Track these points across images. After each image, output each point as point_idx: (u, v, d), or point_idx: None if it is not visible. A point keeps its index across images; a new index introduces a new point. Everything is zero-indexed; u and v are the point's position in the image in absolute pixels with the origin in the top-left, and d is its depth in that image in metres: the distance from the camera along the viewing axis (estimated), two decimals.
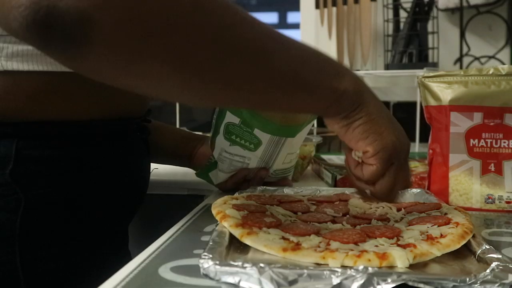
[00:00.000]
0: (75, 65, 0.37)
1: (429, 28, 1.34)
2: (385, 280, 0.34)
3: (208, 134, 0.74)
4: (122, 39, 0.33)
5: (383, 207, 0.55)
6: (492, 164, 0.62)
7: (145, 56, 0.35)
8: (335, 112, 0.47)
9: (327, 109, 0.46)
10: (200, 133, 1.12)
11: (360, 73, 1.40)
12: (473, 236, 0.45)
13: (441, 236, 0.44)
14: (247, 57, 0.39)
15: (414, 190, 0.64)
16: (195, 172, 0.76)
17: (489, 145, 0.63)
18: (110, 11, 0.32)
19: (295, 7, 1.69)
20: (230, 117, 0.67)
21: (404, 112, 1.52)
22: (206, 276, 0.37)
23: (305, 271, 0.35)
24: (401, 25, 1.37)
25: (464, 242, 0.43)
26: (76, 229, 0.55)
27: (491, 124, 0.62)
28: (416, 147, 1.23)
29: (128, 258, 0.43)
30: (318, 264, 0.38)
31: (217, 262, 0.37)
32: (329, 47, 1.57)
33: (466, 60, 1.43)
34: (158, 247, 0.45)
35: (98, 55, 0.34)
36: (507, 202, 0.62)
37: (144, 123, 0.70)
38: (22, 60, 0.50)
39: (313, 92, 0.45)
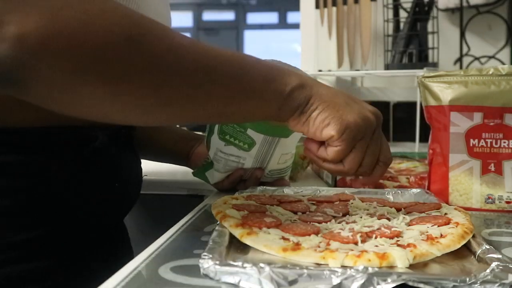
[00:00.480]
0: (18, 97, 0.40)
1: (429, 28, 1.34)
2: (385, 280, 0.34)
3: None
4: (57, 78, 0.37)
5: (383, 207, 0.55)
6: (492, 164, 0.62)
7: (82, 89, 0.38)
8: (289, 111, 0.49)
9: (280, 110, 0.48)
10: (200, 133, 1.12)
11: (360, 73, 1.40)
12: (473, 236, 0.45)
13: (441, 236, 0.44)
14: (187, 78, 0.42)
15: (414, 190, 0.64)
16: (193, 172, 0.76)
17: (489, 145, 0.63)
18: (44, 55, 0.35)
19: (295, 7, 1.70)
20: None
21: (404, 112, 1.52)
22: (206, 276, 0.37)
23: (305, 271, 0.35)
24: (401, 25, 1.37)
25: (464, 242, 0.43)
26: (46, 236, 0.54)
27: (491, 124, 0.62)
28: (416, 147, 1.23)
29: (130, 257, 0.43)
30: (318, 264, 0.38)
31: (217, 262, 0.37)
32: (329, 47, 1.57)
33: (466, 60, 1.43)
34: (158, 247, 0.45)
35: (35, 92, 0.38)
36: (507, 202, 0.62)
37: (124, 130, 0.68)
38: None
39: (261, 98, 0.47)
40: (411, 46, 1.32)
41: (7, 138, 0.51)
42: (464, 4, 1.38)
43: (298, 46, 1.71)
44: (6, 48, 0.35)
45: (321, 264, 0.38)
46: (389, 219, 0.51)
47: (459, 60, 1.41)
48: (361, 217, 0.50)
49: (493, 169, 0.62)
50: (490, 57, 1.43)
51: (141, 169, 0.74)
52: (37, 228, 0.52)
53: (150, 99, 0.41)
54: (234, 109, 0.47)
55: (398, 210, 0.54)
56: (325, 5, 1.51)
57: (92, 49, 0.37)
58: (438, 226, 0.46)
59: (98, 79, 0.38)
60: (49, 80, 0.37)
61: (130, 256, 0.43)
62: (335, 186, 0.77)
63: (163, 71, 0.41)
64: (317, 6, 1.53)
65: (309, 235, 0.44)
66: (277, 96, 0.47)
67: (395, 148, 1.39)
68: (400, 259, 0.38)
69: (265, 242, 0.42)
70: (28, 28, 0.35)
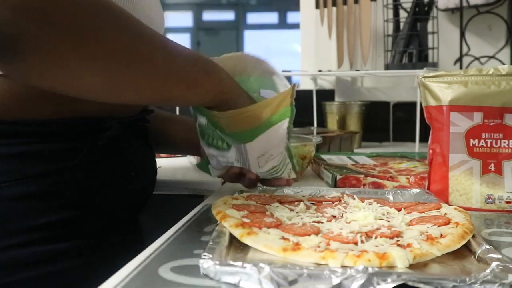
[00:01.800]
0: (15, 73, 0.44)
1: (429, 28, 1.34)
2: (385, 280, 0.34)
3: None
4: (53, 48, 0.39)
5: (383, 207, 0.55)
6: (492, 164, 0.62)
7: (75, 62, 0.41)
8: (220, 100, 0.58)
9: (214, 98, 0.57)
10: None
11: (360, 73, 1.40)
12: (473, 236, 0.45)
13: (441, 236, 0.44)
14: (156, 67, 0.49)
15: (414, 190, 0.64)
16: (196, 164, 0.76)
17: (489, 145, 0.63)
18: (42, 25, 0.37)
19: (295, 7, 1.69)
20: (200, 118, 0.66)
21: (404, 112, 1.52)
22: (206, 276, 0.37)
23: (305, 271, 0.35)
24: (401, 25, 1.37)
25: (464, 242, 0.43)
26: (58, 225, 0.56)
27: (491, 124, 0.62)
28: (416, 147, 1.23)
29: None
30: (318, 264, 0.38)
31: (217, 262, 0.37)
32: (329, 47, 1.57)
33: (466, 60, 1.43)
34: (158, 247, 0.45)
35: (30, 63, 0.39)
36: (507, 202, 0.62)
37: (141, 123, 0.71)
38: None
39: (202, 88, 0.56)
40: (411, 46, 1.32)
41: (28, 129, 0.54)
42: (464, 4, 1.38)
43: (298, 46, 1.71)
44: (8, 14, 0.36)
45: (321, 264, 0.38)
46: (389, 219, 0.51)
47: (459, 60, 1.41)
48: (361, 217, 0.50)
49: (493, 169, 0.62)
50: (490, 57, 1.43)
51: (155, 161, 0.75)
52: (59, 212, 0.55)
53: (123, 79, 0.46)
54: (181, 95, 0.55)
55: (398, 210, 0.54)
56: (325, 5, 1.51)
57: (86, 25, 0.40)
58: (438, 226, 0.46)
59: (86, 54, 0.41)
60: (45, 49, 0.38)
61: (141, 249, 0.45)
62: (335, 186, 0.77)
63: (136, 56, 0.46)
64: (317, 6, 1.53)
65: (309, 235, 0.44)
66: (214, 87, 0.57)
67: (395, 148, 1.39)
68: (400, 259, 0.38)
69: (265, 242, 0.42)
70: None
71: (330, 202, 0.58)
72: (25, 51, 0.38)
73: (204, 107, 0.60)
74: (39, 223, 0.54)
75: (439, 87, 0.64)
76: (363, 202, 0.57)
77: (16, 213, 0.53)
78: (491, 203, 0.62)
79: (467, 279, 0.35)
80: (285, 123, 0.62)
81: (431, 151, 0.66)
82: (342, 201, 0.58)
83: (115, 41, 0.43)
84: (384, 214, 0.52)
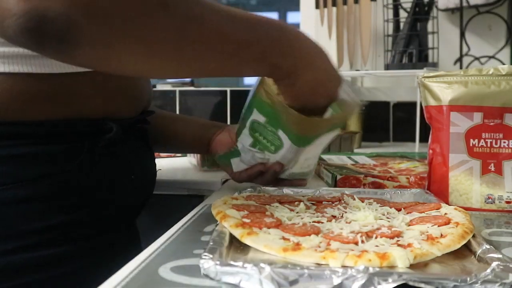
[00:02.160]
0: (68, 61, 0.45)
1: (429, 28, 1.34)
2: (386, 280, 0.34)
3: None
4: (102, 36, 0.40)
5: (383, 207, 0.55)
6: (492, 164, 0.62)
7: (122, 47, 0.42)
8: (278, 80, 0.57)
9: (271, 75, 0.56)
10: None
11: (360, 73, 1.40)
12: (473, 236, 0.45)
13: (441, 236, 0.44)
14: (208, 43, 0.48)
15: (414, 190, 0.64)
16: (218, 155, 0.77)
17: (489, 145, 0.63)
18: (93, 15, 0.39)
19: (295, 7, 1.69)
20: (257, 115, 0.66)
21: (404, 112, 1.52)
22: (207, 276, 0.37)
23: (306, 271, 0.35)
24: (401, 25, 1.37)
25: (464, 242, 0.43)
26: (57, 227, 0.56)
27: (491, 124, 0.62)
28: (416, 147, 1.23)
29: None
30: (318, 264, 0.38)
31: (218, 262, 0.37)
32: (329, 47, 1.57)
33: (466, 60, 1.43)
34: (158, 247, 0.45)
35: (85, 51, 0.41)
36: (507, 202, 0.62)
37: (140, 124, 0.71)
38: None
39: (262, 63, 0.54)
40: (411, 46, 1.32)
41: (26, 130, 0.54)
42: (464, 4, 1.38)
43: None
44: (61, 7, 0.37)
45: (321, 264, 0.38)
46: (389, 219, 0.51)
47: (459, 60, 1.41)
48: (361, 217, 0.50)
49: (493, 169, 0.62)
50: (490, 57, 1.43)
51: (155, 163, 0.75)
52: (58, 215, 0.55)
53: (176, 59, 0.47)
54: (233, 72, 0.55)
55: (398, 210, 0.54)
56: (325, 5, 1.51)
57: (134, 13, 0.41)
58: (438, 226, 0.46)
59: (136, 39, 0.42)
60: (95, 38, 0.40)
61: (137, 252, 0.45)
62: (335, 186, 0.77)
63: (188, 36, 0.46)
64: (317, 6, 1.53)
65: (309, 235, 0.44)
66: (269, 68, 0.54)
67: (395, 148, 1.39)
68: (401, 259, 0.38)
69: (265, 242, 0.42)
70: None
71: (330, 202, 0.58)
72: (77, 42, 0.40)
73: (289, 107, 0.60)
74: (38, 227, 0.54)
75: (439, 87, 0.64)
76: (363, 202, 0.57)
77: (14, 217, 0.53)
78: (491, 203, 0.62)
79: (468, 279, 0.35)
80: (336, 132, 0.67)
81: (431, 151, 0.66)
82: (342, 201, 0.58)
83: (163, 25, 0.43)
84: (384, 214, 0.52)
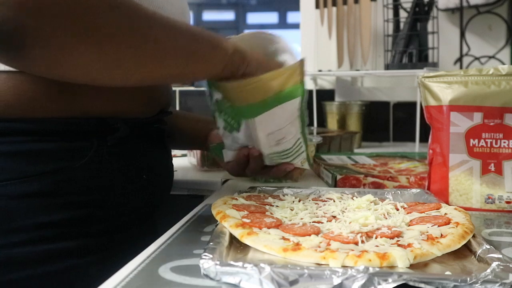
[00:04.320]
0: (18, 65, 0.46)
1: (429, 28, 1.34)
2: (386, 280, 0.34)
3: None
4: (52, 39, 0.41)
5: (383, 207, 0.55)
6: (492, 164, 0.62)
7: (73, 49, 0.43)
8: (231, 71, 0.58)
9: (223, 71, 0.58)
10: None
11: (360, 73, 1.40)
12: (473, 236, 0.45)
13: (442, 236, 0.44)
14: (156, 45, 0.50)
15: (414, 190, 0.64)
16: (211, 146, 0.77)
17: (489, 145, 0.63)
18: (40, 17, 0.39)
19: (295, 7, 1.69)
20: (216, 93, 0.65)
21: (404, 112, 1.52)
22: (206, 276, 0.37)
23: (306, 271, 0.35)
24: (401, 25, 1.37)
25: (464, 242, 0.43)
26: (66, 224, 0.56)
27: (491, 124, 0.62)
28: (416, 147, 1.23)
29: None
30: (318, 264, 0.38)
31: (218, 263, 0.37)
32: (329, 47, 1.57)
33: (466, 60, 1.43)
34: (158, 247, 0.45)
35: (35, 53, 0.41)
36: (507, 202, 0.62)
37: (157, 124, 0.71)
38: None
39: (210, 62, 0.57)
40: (411, 46, 1.32)
41: (34, 127, 0.54)
42: (464, 4, 1.38)
43: (298, 46, 1.71)
44: (8, 11, 0.38)
45: (321, 264, 0.38)
46: (389, 219, 0.51)
47: (459, 60, 1.41)
48: (361, 217, 0.50)
49: (493, 169, 0.62)
50: (490, 57, 1.43)
51: (172, 164, 0.75)
52: (62, 212, 0.55)
53: (127, 60, 0.48)
54: (189, 71, 0.56)
55: (398, 210, 0.54)
56: (325, 5, 1.51)
57: (82, 12, 0.42)
58: (438, 226, 0.46)
59: (86, 40, 0.43)
60: (45, 40, 0.41)
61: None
62: (335, 186, 0.77)
63: (136, 37, 0.47)
64: (317, 6, 1.53)
65: (309, 235, 0.44)
66: (222, 60, 0.57)
67: (395, 148, 1.39)
68: (401, 259, 0.38)
69: (265, 242, 0.42)
70: None
71: (330, 202, 0.58)
72: (27, 44, 0.40)
73: (216, 80, 0.61)
74: (42, 222, 0.54)
75: (439, 87, 0.64)
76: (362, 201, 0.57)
77: (19, 212, 0.53)
78: (491, 203, 0.62)
79: (468, 279, 0.35)
80: (295, 102, 0.63)
81: (431, 151, 0.66)
82: (342, 201, 0.58)
83: (111, 25, 0.44)
84: (384, 214, 0.52)
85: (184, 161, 1.09)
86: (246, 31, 0.70)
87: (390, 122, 1.55)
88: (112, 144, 0.60)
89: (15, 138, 0.54)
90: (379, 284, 0.34)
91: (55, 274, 0.55)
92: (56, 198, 0.55)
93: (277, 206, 0.55)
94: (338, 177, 0.78)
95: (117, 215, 0.61)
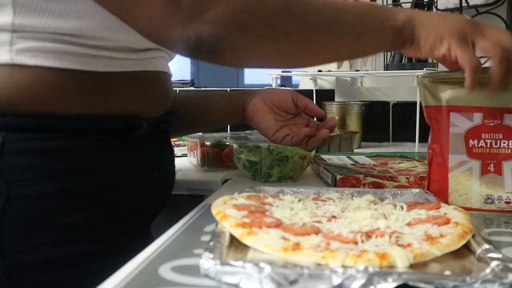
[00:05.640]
0: (215, 63, 0.55)
1: None
2: (385, 280, 0.34)
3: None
4: (241, 43, 0.53)
5: (383, 207, 0.55)
6: (492, 165, 0.62)
7: (257, 48, 0.55)
8: (401, 42, 0.60)
9: (393, 45, 0.61)
10: (199, 133, 1.12)
11: (360, 73, 1.40)
12: (473, 236, 0.45)
13: (441, 236, 0.44)
14: (328, 31, 0.57)
15: (414, 190, 0.64)
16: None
17: (488, 145, 0.63)
18: (234, 29, 0.51)
19: None
20: None
21: (404, 112, 1.52)
22: (206, 276, 0.37)
23: (306, 271, 0.35)
24: None
25: (464, 242, 0.43)
26: (74, 222, 0.56)
27: (491, 124, 0.62)
28: (416, 147, 1.23)
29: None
30: (318, 264, 0.38)
31: (218, 262, 0.37)
32: None
33: None
34: (158, 247, 0.45)
35: (229, 57, 0.54)
36: (507, 203, 0.62)
37: (162, 125, 0.71)
38: (30, 55, 0.53)
39: (380, 37, 0.60)
40: None
41: (64, 124, 0.56)
42: (464, 4, 1.38)
43: None
44: (211, 29, 0.50)
45: (321, 264, 0.38)
46: (388, 219, 0.51)
47: None
48: (361, 217, 0.50)
49: (492, 169, 0.62)
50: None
51: (174, 165, 0.76)
52: (88, 212, 0.56)
53: (303, 50, 0.57)
54: (361, 49, 0.62)
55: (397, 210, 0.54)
56: None
57: (263, 19, 0.53)
58: (438, 226, 0.46)
59: (265, 41, 0.54)
60: (236, 46, 0.53)
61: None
62: (335, 186, 0.77)
63: (311, 28, 0.55)
64: None
65: (309, 235, 0.44)
66: (392, 33, 0.59)
67: (395, 148, 1.39)
68: (401, 259, 0.38)
69: (265, 242, 0.42)
70: (220, 12, 0.50)
71: (330, 202, 0.58)
72: (223, 50, 0.52)
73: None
74: (62, 223, 0.54)
75: (439, 87, 0.64)
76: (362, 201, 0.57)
77: (39, 213, 0.53)
78: (491, 203, 0.62)
79: (468, 278, 0.35)
80: None
81: (430, 151, 0.66)
82: (342, 201, 0.58)
83: (286, 24, 0.54)
84: (384, 214, 0.52)
85: (184, 161, 1.09)
86: None
87: (389, 122, 1.55)
88: (131, 143, 0.61)
89: (42, 135, 0.54)
90: (379, 283, 0.34)
91: (78, 278, 0.54)
92: (82, 198, 0.56)
93: (277, 206, 0.55)
94: (338, 177, 0.78)
95: (131, 216, 0.61)
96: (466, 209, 0.58)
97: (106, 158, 0.58)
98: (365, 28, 0.59)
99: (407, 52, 0.62)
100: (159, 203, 0.70)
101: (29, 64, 0.53)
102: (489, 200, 0.62)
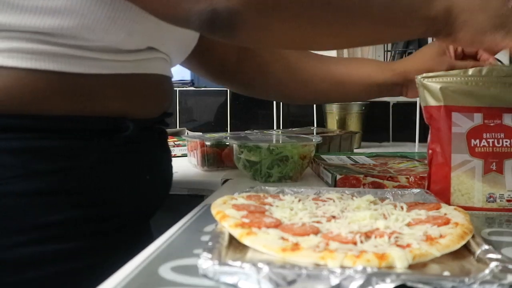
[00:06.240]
0: (231, 41, 0.56)
1: None
2: (384, 281, 0.34)
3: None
4: (256, 20, 0.51)
5: (383, 207, 0.55)
6: (494, 163, 0.62)
7: (273, 26, 0.53)
8: (434, 33, 0.59)
9: (425, 33, 0.59)
10: (199, 133, 1.12)
11: None
12: (473, 237, 0.45)
13: (441, 236, 0.44)
14: (349, 14, 0.55)
15: (414, 190, 0.64)
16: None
17: (490, 144, 0.63)
18: (249, 5, 0.49)
19: None
20: None
21: (403, 112, 1.52)
22: (205, 276, 0.37)
23: (304, 271, 0.35)
24: None
25: (463, 242, 0.43)
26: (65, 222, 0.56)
27: (492, 124, 0.62)
28: (416, 147, 1.23)
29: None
30: (317, 265, 0.38)
31: (216, 262, 0.37)
32: None
33: None
34: (158, 247, 0.45)
35: (245, 34, 0.53)
36: (508, 201, 0.62)
37: (159, 126, 0.71)
38: (6, 56, 0.52)
39: (407, 27, 0.58)
40: (411, 46, 1.32)
41: (44, 124, 0.55)
42: None
43: None
44: (225, 4, 0.49)
45: (320, 264, 0.38)
46: (388, 219, 0.51)
47: None
48: (360, 217, 0.50)
49: (494, 168, 0.62)
50: None
51: (171, 166, 0.75)
52: (68, 211, 0.55)
53: (325, 30, 0.55)
54: (385, 36, 0.61)
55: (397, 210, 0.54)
56: None
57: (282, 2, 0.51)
58: (438, 226, 0.46)
59: (283, 17, 0.52)
60: (252, 22, 0.51)
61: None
62: (335, 186, 0.77)
63: (335, 8, 0.53)
64: None
65: (308, 235, 0.44)
66: (422, 23, 0.57)
67: (395, 148, 1.39)
68: (400, 260, 0.38)
69: (264, 242, 0.42)
70: None
71: (330, 202, 0.58)
72: (238, 27, 0.51)
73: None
74: (47, 221, 0.54)
75: (439, 88, 0.64)
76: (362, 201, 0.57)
77: (24, 210, 0.53)
78: (492, 202, 0.62)
79: (466, 279, 0.35)
80: None
81: (430, 151, 0.66)
82: (342, 201, 0.58)
83: (304, 2, 0.52)
84: (383, 214, 0.52)
85: (184, 161, 1.09)
86: None
87: (389, 122, 1.55)
88: (118, 144, 0.60)
89: (25, 135, 0.53)
90: (377, 284, 0.34)
91: (61, 275, 0.55)
92: (62, 197, 0.55)
93: (277, 206, 0.55)
94: (338, 177, 0.78)
95: (121, 215, 0.61)
96: (468, 208, 0.58)
97: (88, 158, 0.57)
98: (394, 14, 0.56)
99: (442, 41, 0.61)
100: (153, 202, 0.70)
101: (6, 65, 0.52)
102: (491, 199, 0.62)
